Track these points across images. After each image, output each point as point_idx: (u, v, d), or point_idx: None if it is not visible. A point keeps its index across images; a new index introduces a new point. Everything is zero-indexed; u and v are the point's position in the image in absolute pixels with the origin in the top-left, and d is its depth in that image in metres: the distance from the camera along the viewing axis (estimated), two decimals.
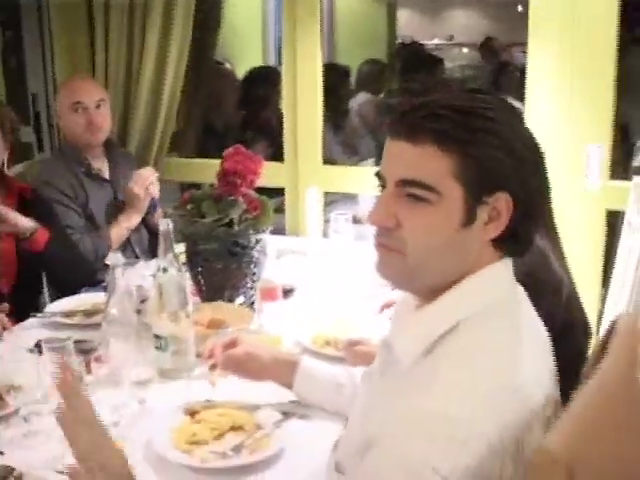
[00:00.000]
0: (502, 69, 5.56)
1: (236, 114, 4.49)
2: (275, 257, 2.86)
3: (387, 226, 1.21)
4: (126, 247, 3.11)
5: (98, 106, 3.14)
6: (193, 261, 2.44)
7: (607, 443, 1.04)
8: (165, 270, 2.04)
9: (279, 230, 3.42)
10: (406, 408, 1.12)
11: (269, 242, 2.54)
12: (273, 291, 2.28)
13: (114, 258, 1.97)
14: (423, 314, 1.24)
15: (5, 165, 2.74)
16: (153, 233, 3.12)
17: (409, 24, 8.99)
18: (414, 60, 5.84)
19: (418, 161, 1.18)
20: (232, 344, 1.87)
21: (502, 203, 1.18)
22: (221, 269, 2.40)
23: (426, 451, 1.05)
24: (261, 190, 2.58)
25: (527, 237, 1.24)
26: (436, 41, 9.20)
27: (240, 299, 2.43)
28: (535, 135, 1.24)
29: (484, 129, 1.16)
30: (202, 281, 2.44)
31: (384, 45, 7.43)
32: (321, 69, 3.35)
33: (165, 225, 2.05)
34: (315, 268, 2.79)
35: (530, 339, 1.21)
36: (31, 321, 2.42)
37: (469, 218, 1.17)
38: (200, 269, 2.43)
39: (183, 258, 2.46)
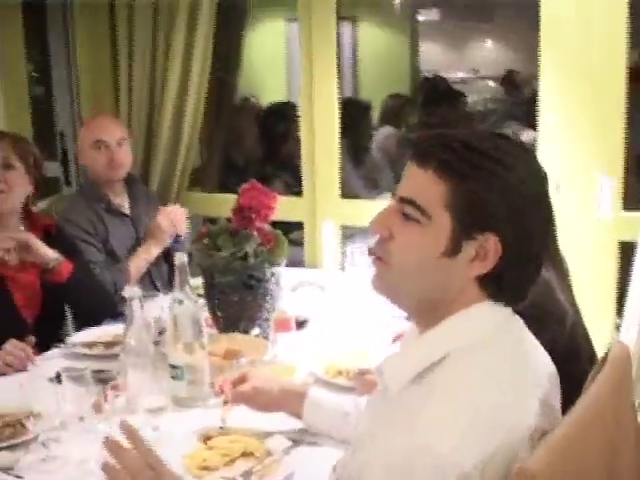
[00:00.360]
0: (523, 101, 5.61)
1: (257, 149, 4.58)
2: (292, 289, 2.92)
3: (382, 235, 1.28)
4: (147, 281, 3.19)
5: (120, 144, 3.25)
6: (210, 293, 2.51)
7: (580, 460, 1.09)
8: (181, 302, 2.11)
9: (298, 263, 3.50)
10: (389, 446, 1.17)
11: (287, 274, 2.61)
12: (287, 322, 2.34)
13: (131, 291, 2.03)
14: (413, 344, 1.30)
15: (30, 200, 2.82)
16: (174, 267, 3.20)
17: (434, 58, 9.07)
18: (436, 94, 5.91)
19: (418, 183, 1.24)
20: (241, 380, 1.92)
21: (491, 244, 1.22)
22: (237, 301, 2.47)
23: None
24: (280, 224, 2.66)
25: (512, 285, 1.27)
26: (461, 74, 9.27)
27: (256, 330, 2.49)
28: (545, 184, 1.28)
29: (486, 169, 1.21)
30: (219, 313, 2.51)
31: (407, 79, 7.51)
32: (338, 104, 3.43)
33: (180, 259, 2.12)
34: (331, 300, 2.84)
35: (518, 374, 1.24)
36: (53, 352, 2.50)
37: (453, 249, 1.22)
38: (217, 301, 2.50)
39: (201, 291, 2.55)
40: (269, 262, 2.45)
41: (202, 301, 2.57)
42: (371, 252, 1.32)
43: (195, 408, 2.08)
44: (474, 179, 1.21)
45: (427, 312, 1.29)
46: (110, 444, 1.38)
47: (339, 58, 3.43)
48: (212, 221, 3.25)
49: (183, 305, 2.11)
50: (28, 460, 1.83)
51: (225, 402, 1.93)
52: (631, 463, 1.33)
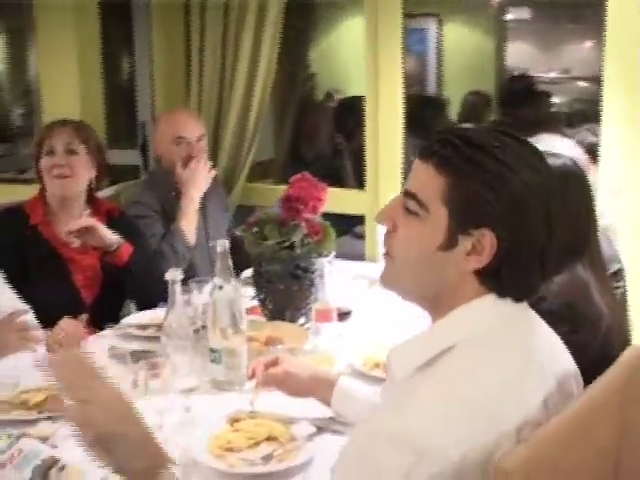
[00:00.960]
0: None
1: (329, 143, 4.63)
2: (347, 282, 2.97)
3: (387, 227, 1.32)
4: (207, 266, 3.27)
5: (199, 140, 3.40)
6: (258, 282, 2.57)
7: (564, 461, 1.10)
8: (221, 288, 2.17)
9: (360, 256, 3.53)
10: (369, 427, 1.21)
11: (346, 267, 2.65)
12: (328, 313, 2.38)
13: (172, 274, 2.10)
14: (420, 335, 1.33)
15: (93, 185, 2.93)
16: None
17: (523, 57, 8.95)
18: (519, 93, 5.86)
19: (420, 177, 1.28)
20: (273, 363, 1.97)
21: (486, 240, 1.23)
22: (283, 290, 2.52)
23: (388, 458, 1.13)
24: (345, 217, 2.70)
25: (512, 280, 1.28)
26: (552, 75, 9.13)
27: (301, 320, 2.54)
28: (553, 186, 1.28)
29: (485, 166, 1.23)
30: (266, 301, 2.57)
31: (492, 77, 7.45)
32: (402, 100, 3.46)
33: (222, 245, 2.18)
34: (377, 294, 2.86)
35: (517, 369, 1.25)
36: (107, 331, 2.59)
37: (449, 243, 1.25)
38: (264, 289, 2.56)
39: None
40: (316, 253, 2.50)
41: (251, 290, 2.65)
42: (384, 249, 1.36)
43: (232, 392, 2.14)
44: (472, 176, 1.23)
45: (432, 305, 1.32)
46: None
47: (405, 55, 3.46)
48: None
49: (223, 291, 2.16)
50: (66, 432, 1.91)
51: (256, 385, 1.97)
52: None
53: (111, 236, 2.78)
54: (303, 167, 4.33)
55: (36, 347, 2.34)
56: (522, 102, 5.52)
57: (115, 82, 4.65)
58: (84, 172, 2.85)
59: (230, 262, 2.19)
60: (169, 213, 3.30)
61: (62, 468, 1.68)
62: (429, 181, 1.26)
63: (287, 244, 2.45)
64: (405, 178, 3.46)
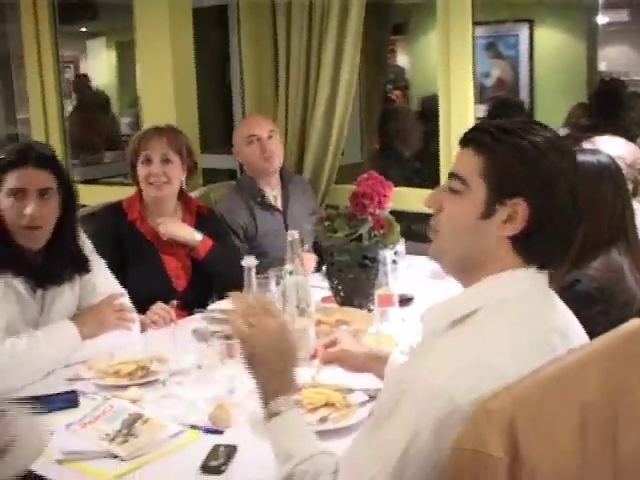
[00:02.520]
0: None
1: (413, 146, 4.84)
2: (416, 273, 3.19)
3: (435, 209, 1.53)
4: None
5: (270, 137, 3.63)
6: (330, 271, 2.82)
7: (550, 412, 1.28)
8: (291, 273, 2.42)
9: None
10: (400, 373, 1.43)
11: (419, 262, 2.95)
12: (389, 298, 2.60)
13: (248, 261, 2.36)
14: (452, 297, 1.53)
15: (184, 184, 3.22)
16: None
17: (619, 60, 8.90)
18: (612, 97, 5.93)
19: (461, 160, 1.51)
20: (332, 343, 2.20)
21: (519, 208, 1.44)
22: (352, 279, 2.76)
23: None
24: (420, 215, 2.88)
25: (540, 247, 1.47)
26: None
27: (369, 305, 2.77)
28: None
29: (515, 145, 1.44)
30: (337, 289, 2.80)
31: (584, 81, 7.48)
32: (472, 101, 3.66)
33: (292, 235, 2.43)
34: (443, 286, 3.04)
35: (529, 336, 1.43)
36: (196, 316, 2.87)
37: (488, 212, 1.45)
38: (335, 278, 2.80)
39: None
40: (382, 244, 2.73)
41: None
42: (430, 226, 1.57)
43: (299, 367, 2.37)
44: (505, 153, 1.44)
45: (467, 271, 1.51)
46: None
47: (474, 59, 3.66)
48: None
49: (292, 276, 2.41)
50: (151, 396, 2.20)
51: (318, 362, 2.21)
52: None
53: (190, 236, 3.10)
54: (390, 170, 4.59)
55: (130, 326, 2.63)
56: (616, 105, 5.58)
57: (211, 89, 4.94)
58: (177, 177, 3.16)
59: (300, 250, 2.44)
60: (250, 228, 3.57)
61: (146, 421, 1.96)
62: (469, 161, 1.48)
63: (355, 236, 2.69)
64: None
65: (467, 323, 1.45)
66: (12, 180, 2.41)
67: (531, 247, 1.47)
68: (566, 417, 1.32)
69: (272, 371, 1.66)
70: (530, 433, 1.23)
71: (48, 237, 2.47)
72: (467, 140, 1.50)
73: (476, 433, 1.22)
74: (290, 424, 1.61)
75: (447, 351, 1.40)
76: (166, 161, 3.13)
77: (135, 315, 2.69)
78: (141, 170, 3.15)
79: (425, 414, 1.32)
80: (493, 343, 1.40)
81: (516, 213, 1.43)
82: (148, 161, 3.14)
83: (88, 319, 2.54)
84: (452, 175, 1.50)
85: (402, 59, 7.44)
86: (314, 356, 2.21)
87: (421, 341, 1.57)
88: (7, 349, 2.31)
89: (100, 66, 8.77)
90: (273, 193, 3.70)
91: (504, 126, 1.48)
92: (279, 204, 3.71)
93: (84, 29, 7.91)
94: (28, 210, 2.38)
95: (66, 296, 2.56)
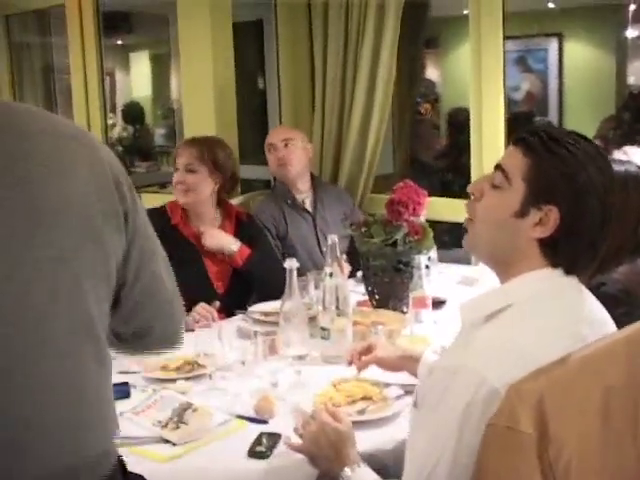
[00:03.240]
0: None
1: (440, 157, 4.95)
2: (450, 278, 3.30)
3: (475, 195, 1.63)
4: None
5: (286, 145, 3.82)
6: (366, 275, 2.95)
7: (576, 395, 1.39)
8: (330, 275, 2.55)
9: (467, 260, 3.83)
10: (446, 361, 1.55)
11: (452, 270, 3.07)
12: (423, 300, 2.72)
13: (290, 263, 2.49)
14: (487, 293, 1.63)
15: (221, 193, 3.38)
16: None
17: None
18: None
19: (510, 156, 1.60)
20: (368, 350, 2.32)
21: (552, 215, 1.54)
22: (387, 282, 2.88)
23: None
24: (451, 224, 3.01)
25: (566, 252, 1.56)
26: None
27: (403, 308, 2.89)
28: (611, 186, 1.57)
29: (560, 155, 1.55)
30: (373, 292, 2.93)
31: (614, 95, 7.55)
32: (503, 113, 3.76)
33: (331, 239, 2.57)
34: (476, 290, 3.16)
35: (562, 333, 1.51)
36: (236, 317, 3.01)
37: (522, 212, 1.56)
38: (371, 282, 2.92)
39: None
40: (416, 250, 2.85)
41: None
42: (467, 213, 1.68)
43: (337, 365, 2.49)
44: (549, 160, 1.55)
45: (502, 268, 1.61)
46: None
47: (506, 75, 3.76)
48: None
49: (332, 278, 2.54)
50: (198, 389, 2.33)
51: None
52: None
53: (226, 245, 3.26)
54: (421, 181, 4.70)
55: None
56: None
57: (246, 101, 5.08)
58: (203, 187, 3.30)
59: (338, 253, 2.57)
60: (281, 227, 3.76)
61: (195, 409, 2.09)
62: (516, 160, 1.58)
63: (391, 242, 2.81)
64: None
65: (500, 317, 1.54)
66: None
67: (558, 252, 1.56)
68: (592, 399, 1.41)
69: (332, 460, 1.83)
70: (558, 412, 1.33)
71: None
72: (520, 139, 1.60)
73: (508, 410, 1.32)
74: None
75: (486, 342, 1.50)
76: (190, 171, 3.28)
77: None
78: (174, 176, 3.33)
79: (472, 402, 1.41)
80: (527, 332, 1.49)
81: (548, 218, 1.53)
82: (177, 169, 3.32)
83: None
84: (498, 167, 1.61)
85: (432, 72, 7.56)
86: (350, 362, 2.34)
87: (460, 332, 1.66)
88: None
89: (135, 78, 8.95)
90: (303, 197, 3.88)
91: (554, 134, 1.58)
92: (309, 208, 3.88)
93: (119, 42, 8.10)
94: None
95: None
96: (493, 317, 1.56)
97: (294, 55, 4.49)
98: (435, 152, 5.04)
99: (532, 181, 1.55)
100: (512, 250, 1.59)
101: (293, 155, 3.83)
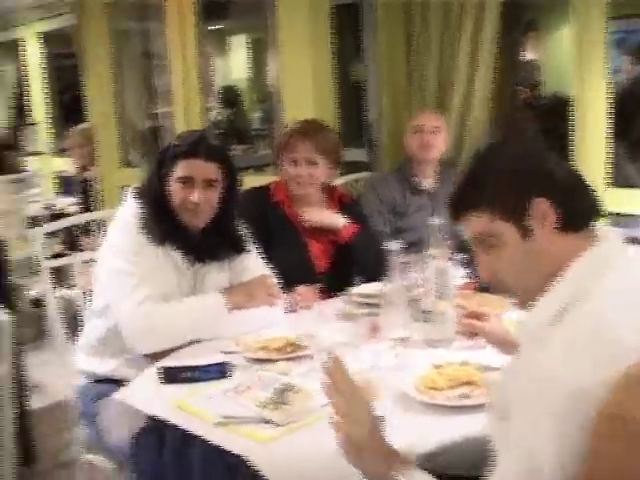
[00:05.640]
0: None
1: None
2: None
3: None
4: None
5: (434, 132, 3.90)
6: (471, 258, 2.87)
7: None
8: (433, 258, 2.50)
9: None
10: (530, 365, 1.47)
11: None
12: None
13: (393, 245, 2.46)
14: (547, 295, 1.55)
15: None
16: None
17: None
18: None
19: (468, 227, 1.63)
20: (479, 316, 2.29)
21: (537, 205, 1.51)
22: None
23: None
24: None
25: (573, 210, 1.53)
26: None
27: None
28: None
29: (495, 178, 1.56)
30: (476, 277, 2.86)
31: None
32: (606, 95, 3.63)
33: (434, 222, 2.53)
34: None
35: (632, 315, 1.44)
36: (336, 298, 2.98)
37: (524, 232, 1.53)
38: (475, 266, 2.85)
39: None
40: None
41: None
42: None
43: (439, 348, 2.45)
44: (493, 188, 1.56)
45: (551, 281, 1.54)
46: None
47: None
48: None
49: (435, 260, 2.50)
50: (299, 370, 2.32)
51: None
52: None
53: (334, 221, 3.24)
54: None
55: (277, 303, 2.79)
56: None
57: (347, 84, 5.05)
58: (322, 177, 3.29)
59: (443, 236, 2.53)
60: (399, 205, 3.90)
61: (297, 391, 2.08)
62: (478, 223, 1.59)
63: None
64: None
65: (572, 312, 1.47)
66: (182, 169, 2.63)
67: (569, 216, 1.53)
68: None
69: (378, 454, 1.66)
70: None
71: (209, 218, 2.69)
72: (461, 216, 1.62)
73: (617, 399, 1.27)
74: None
75: (565, 341, 1.43)
76: (312, 163, 3.24)
77: (280, 293, 2.83)
78: (289, 169, 3.26)
79: (567, 415, 1.35)
80: (607, 318, 1.42)
81: (539, 210, 1.51)
82: (294, 162, 3.25)
83: (237, 289, 2.74)
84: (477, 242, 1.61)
85: (532, 56, 7.40)
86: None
87: (526, 334, 1.61)
88: (157, 311, 2.54)
89: (232, 62, 9.03)
90: (426, 180, 3.99)
91: (472, 178, 1.61)
92: (428, 188, 3.98)
93: (218, 26, 8.17)
94: (193, 198, 2.62)
95: (219, 273, 2.76)
96: (563, 314, 1.49)
97: (391, 39, 4.44)
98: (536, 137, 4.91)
99: (502, 212, 1.54)
100: (548, 258, 1.54)
101: (438, 141, 3.94)
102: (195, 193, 2.61)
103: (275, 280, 2.85)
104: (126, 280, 2.57)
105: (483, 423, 1.77)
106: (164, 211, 2.65)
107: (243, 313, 2.69)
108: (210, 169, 2.64)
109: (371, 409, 1.69)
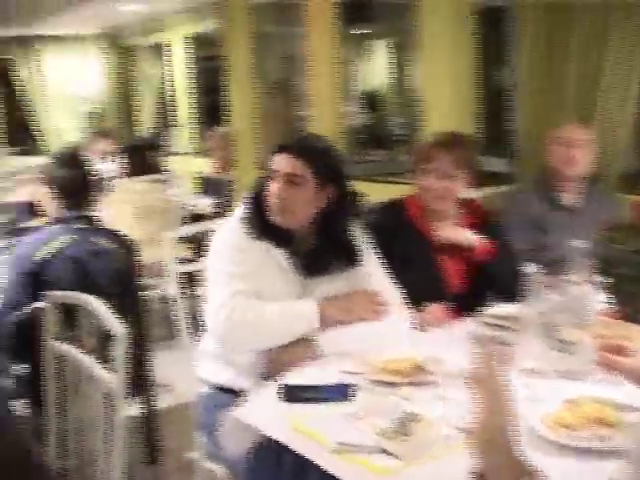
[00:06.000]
0: None
1: None
2: None
3: None
4: None
5: (580, 146, 3.70)
6: (615, 284, 2.68)
7: None
8: (574, 283, 2.34)
9: None
10: None
11: None
12: None
13: (531, 268, 2.31)
14: None
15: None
16: None
17: None
18: None
19: None
20: (619, 350, 2.09)
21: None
22: (636, 293, 2.62)
23: None
24: None
25: None
26: None
27: None
28: None
29: None
30: (622, 303, 2.67)
31: None
32: None
33: (577, 245, 2.37)
34: None
35: None
36: (470, 319, 2.84)
37: None
38: (617, 293, 2.67)
39: None
40: None
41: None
42: None
43: (573, 381, 2.28)
44: None
45: None
46: None
47: None
48: None
49: (576, 287, 2.33)
50: (424, 396, 2.21)
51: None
52: None
53: (469, 237, 3.10)
54: None
55: (379, 317, 2.65)
56: None
57: (491, 89, 4.88)
58: (459, 191, 3.15)
59: (586, 261, 2.36)
60: (537, 223, 3.70)
61: (419, 420, 1.97)
62: None
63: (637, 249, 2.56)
64: None
65: None
66: (273, 163, 2.65)
67: None
68: None
69: (503, 457, 1.55)
70: None
71: (306, 223, 2.66)
72: None
73: None
74: None
75: None
76: (449, 177, 3.10)
77: (406, 311, 2.73)
78: (424, 181, 3.14)
79: None
80: None
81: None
82: (431, 174, 3.11)
83: (335, 302, 2.62)
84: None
85: None
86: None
87: None
88: (245, 306, 2.51)
89: (373, 67, 8.96)
90: (568, 195, 3.80)
91: None
92: (570, 205, 3.79)
93: (360, 31, 8.12)
94: (272, 190, 2.61)
95: (330, 284, 2.67)
96: None
97: (534, 43, 4.21)
98: None
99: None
100: None
101: (585, 157, 3.76)
102: (275, 186, 2.61)
103: (398, 295, 2.74)
104: (224, 276, 2.58)
105: (612, 470, 1.62)
106: (262, 207, 2.66)
107: (347, 328, 2.60)
108: (294, 164, 2.61)
109: (509, 409, 1.61)
